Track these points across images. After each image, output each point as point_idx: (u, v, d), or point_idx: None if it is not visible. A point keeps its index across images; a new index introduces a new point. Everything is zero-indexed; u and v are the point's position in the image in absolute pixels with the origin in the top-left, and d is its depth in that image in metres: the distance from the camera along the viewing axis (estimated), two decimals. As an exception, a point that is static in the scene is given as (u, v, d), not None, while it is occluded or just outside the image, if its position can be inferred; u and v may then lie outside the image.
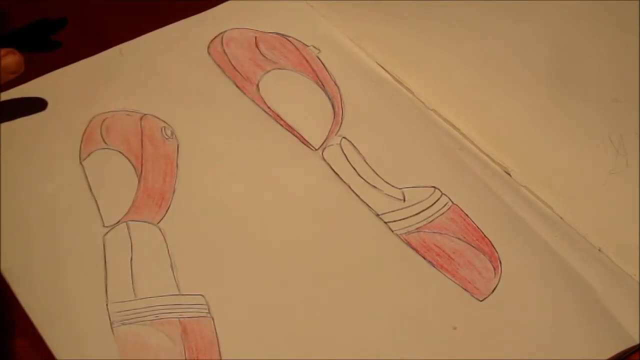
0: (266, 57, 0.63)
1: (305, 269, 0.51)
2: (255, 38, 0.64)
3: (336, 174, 0.56)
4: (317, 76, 0.62)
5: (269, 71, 0.62)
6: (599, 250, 0.53)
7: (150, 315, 0.49)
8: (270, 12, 0.66)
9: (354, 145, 0.57)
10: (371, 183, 0.55)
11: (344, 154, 0.57)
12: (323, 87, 0.61)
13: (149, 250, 0.52)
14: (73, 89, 0.61)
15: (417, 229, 0.53)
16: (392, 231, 0.53)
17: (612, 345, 0.48)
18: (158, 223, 0.53)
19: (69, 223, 0.53)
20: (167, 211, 0.54)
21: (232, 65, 0.62)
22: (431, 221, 0.53)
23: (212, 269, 0.51)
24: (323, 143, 0.58)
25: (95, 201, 0.54)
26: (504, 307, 0.49)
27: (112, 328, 0.48)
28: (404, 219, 0.54)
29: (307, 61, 0.63)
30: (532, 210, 0.55)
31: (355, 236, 0.53)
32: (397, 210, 0.54)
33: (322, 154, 0.57)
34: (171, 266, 0.51)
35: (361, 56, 0.64)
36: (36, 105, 0.59)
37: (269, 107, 0.60)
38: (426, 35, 0.63)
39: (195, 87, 0.61)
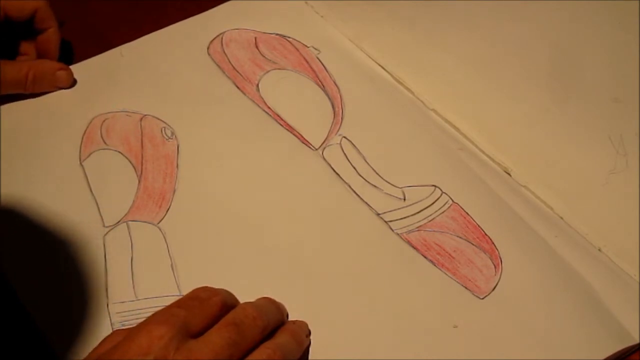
0: (266, 58, 0.63)
1: (306, 269, 0.51)
2: (255, 38, 0.64)
3: (336, 173, 0.56)
4: (317, 76, 0.62)
5: (269, 71, 0.62)
6: (599, 250, 0.53)
7: (150, 315, 0.49)
8: (270, 12, 0.66)
9: (354, 145, 0.57)
10: (371, 182, 0.55)
11: (344, 154, 0.57)
12: (323, 87, 0.61)
13: (150, 251, 0.52)
14: (73, 89, 0.61)
15: (417, 227, 0.53)
16: (393, 230, 0.53)
17: (611, 344, 0.48)
18: (158, 223, 0.53)
19: (69, 223, 0.53)
20: (167, 211, 0.54)
21: (232, 66, 0.62)
22: (432, 220, 0.53)
23: (212, 269, 0.51)
24: (323, 142, 0.58)
25: (96, 201, 0.54)
26: (505, 305, 0.49)
27: (112, 329, 0.48)
28: (404, 218, 0.54)
29: (307, 61, 0.63)
30: (532, 210, 0.55)
31: (355, 236, 0.53)
32: (398, 209, 0.54)
33: (322, 153, 0.57)
34: (172, 266, 0.51)
35: (361, 56, 0.64)
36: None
37: (268, 107, 0.60)
38: (426, 35, 0.63)
39: (195, 87, 0.61)
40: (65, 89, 0.61)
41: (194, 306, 0.42)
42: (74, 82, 0.61)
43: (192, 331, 0.41)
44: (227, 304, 0.43)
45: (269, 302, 0.47)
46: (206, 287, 0.44)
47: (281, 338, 0.44)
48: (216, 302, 0.43)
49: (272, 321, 0.44)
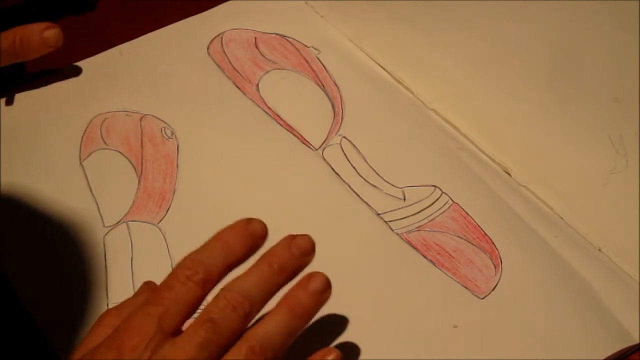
0: (266, 58, 0.63)
1: (306, 269, 0.51)
2: (255, 38, 0.64)
3: (336, 173, 0.56)
4: (317, 76, 0.62)
5: (269, 71, 0.62)
6: (599, 250, 0.53)
7: (150, 315, 0.48)
8: (270, 12, 0.66)
9: (354, 145, 0.57)
10: (371, 182, 0.55)
11: (344, 154, 0.57)
12: (323, 87, 0.61)
13: (150, 251, 0.52)
14: (73, 89, 0.61)
15: (417, 227, 0.53)
16: (393, 230, 0.53)
17: (611, 344, 0.48)
18: (158, 223, 0.53)
19: (69, 223, 0.53)
20: (167, 211, 0.54)
21: (232, 66, 0.62)
22: (432, 220, 0.53)
23: (212, 269, 0.51)
24: (323, 143, 0.58)
25: (96, 201, 0.54)
26: (505, 306, 0.49)
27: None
28: (404, 218, 0.54)
29: (307, 61, 0.63)
30: (532, 210, 0.55)
31: (355, 236, 0.53)
32: (398, 209, 0.54)
33: (322, 153, 0.57)
34: (171, 266, 0.51)
35: (361, 56, 0.64)
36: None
37: (268, 107, 0.60)
38: (426, 35, 0.63)
39: (195, 87, 0.61)
40: (56, 48, 0.59)
41: (170, 299, 0.40)
42: (77, 70, 0.61)
43: (168, 330, 0.40)
44: (211, 278, 0.41)
45: (266, 269, 0.42)
46: (187, 263, 0.41)
47: (270, 322, 0.41)
48: (197, 282, 0.40)
49: (259, 302, 0.41)
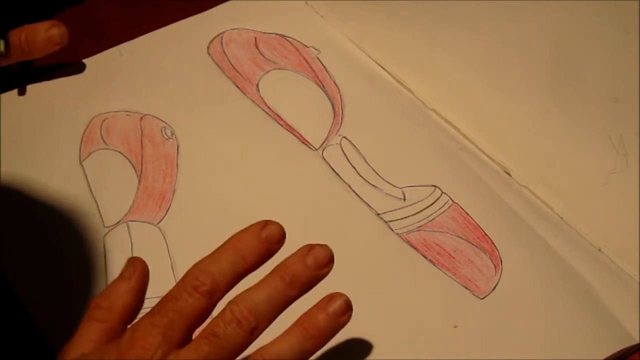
0: (266, 58, 0.63)
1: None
2: (255, 38, 0.64)
3: (336, 173, 0.56)
4: (317, 76, 0.62)
5: (269, 71, 0.62)
6: (599, 250, 0.53)
7: (150, 315, 0.48)
8: (270, 12, 0.66)
9: (354, 145, 0.57)
10: (371, 182, 0.55)
11: (344, 154, 0.57)
12: (323, 87, 0.61)
13: (150, 251, 0.52)
14: (73, 89, 0.61)
15: (417, 227, 0.53)
16: (393, 230, 0.53)
17: (611, 344, 0.48)
18: (158, 223, 0.53)
19: (69, 223, 0.53)
20: (167, 211, 0.54)
21: (232, 66, 0.62)
22: (432, 220, 0.53)
23: (212, 269, 0.51)
24: (323, 143, 0.58)
25: (96, 201, 0.54)
26: (505, 306, 0.49)
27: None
28: (404, 218, 0.54)
29: (307, 61, 0.63)
30: (532, 210, 0.55)
31: (355, 236, 0.53)
32: (398, 209, 0.54)
33: (322, 153, 0.57)
34: (171, 266, 0.51)
35: (361, 56, 0.64)
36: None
37: (268, 107, 0.60)
38: (426, 35, 0.63)
39: (195, 87, 0.61)
40: (62, 46, 0.59)
41: (175, 310, 0.39)
42: (82, 66, 0.61)
43: (174, 341, 0.39)
44: (218, 289, 0.40)
45: (277, 282, 0.40)
46: (195, 272, 0.40)
47: (283, 342, 0.40)
48: (203, 293, 0.39)
49: (267, 316, 0.40)
